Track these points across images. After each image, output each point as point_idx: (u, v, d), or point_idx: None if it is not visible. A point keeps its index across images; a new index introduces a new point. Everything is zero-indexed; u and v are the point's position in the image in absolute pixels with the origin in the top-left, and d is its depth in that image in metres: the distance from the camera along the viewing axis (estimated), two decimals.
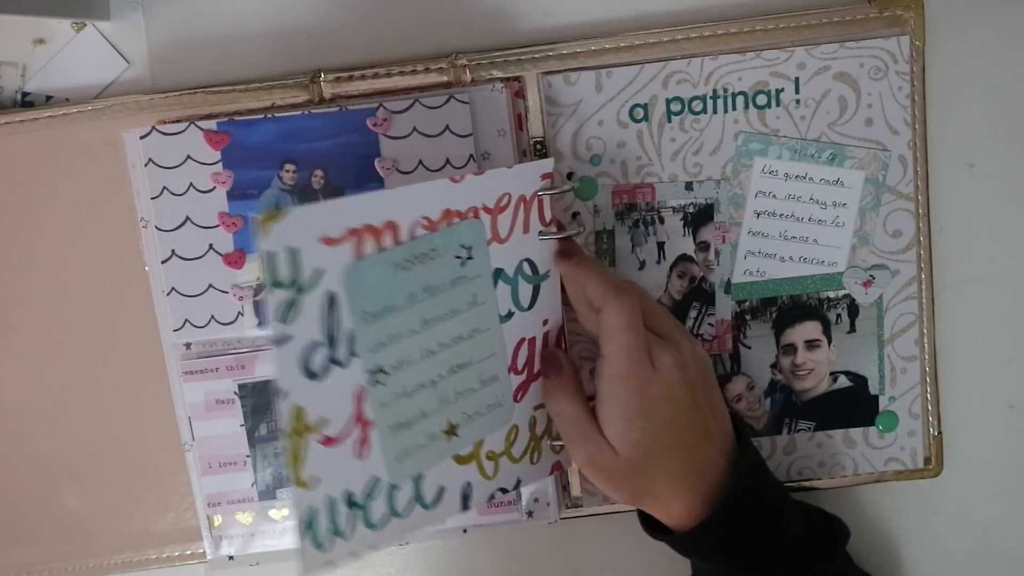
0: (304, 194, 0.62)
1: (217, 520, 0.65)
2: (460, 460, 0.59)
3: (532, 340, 0.61)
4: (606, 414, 0.57)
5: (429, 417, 0.56)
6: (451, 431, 0.57)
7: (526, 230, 0.59)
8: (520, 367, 0.61)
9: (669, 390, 0.57)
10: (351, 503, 0.54)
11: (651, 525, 0.60)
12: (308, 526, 0.52)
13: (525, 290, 0.60)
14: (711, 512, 0.57)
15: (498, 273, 0.58)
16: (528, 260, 0.60)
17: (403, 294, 0.54)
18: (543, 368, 0.61)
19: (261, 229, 0.49)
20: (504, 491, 0.61)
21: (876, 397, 0.66)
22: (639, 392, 0.56)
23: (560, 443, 0.63)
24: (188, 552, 0.67)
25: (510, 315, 0.59)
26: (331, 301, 0.51)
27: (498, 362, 0.59)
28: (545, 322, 0.61)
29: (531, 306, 0.60)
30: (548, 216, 0.60)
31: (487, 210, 0.57)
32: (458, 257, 0.56)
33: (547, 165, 0.59)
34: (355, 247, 0.52)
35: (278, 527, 0.66)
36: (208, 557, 0.66)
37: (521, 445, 0.62)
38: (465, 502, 0.59)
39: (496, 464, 0.60)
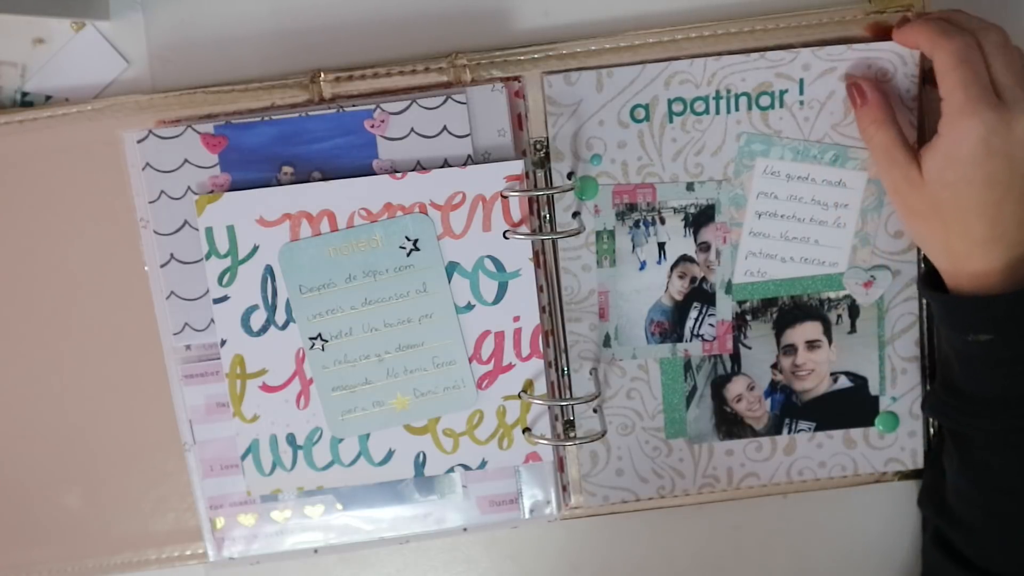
0: None
1: (220, 522, 0.65)
2: (412, 431, 0.64)
3: (500, 334, 0.63)
4: (931, 147, 0.56)
5: (375, 385, 0.63)
6: (400, 403, 0.63)
7: (487, 228, 0.62)
8: (485, 358, 0.63)
9: (1011, 148, 0.53)
10: (294, 445, 0.63)
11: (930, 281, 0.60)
12: (249, 451, 0.63)
13: (488, 285, 0.62)
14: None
15: (453, 266, 0.62)
16: (491, 257, 0.62)
17: (341, 274, 0.62)
18: (850, 97, 0.61)
19: (197, 207, 0.61)
20: (467, 468, 0.64)
21: (876, 397, 0.66)
22: (970, 134, 0.53)
23: (538, 437, 0.64)
24: (188, 552, 0.67)
25: (470, 306, 0.62)
26: (270, 273, 0.61)
27: (455, 348, 0.63)
28: (517, 319, 0.63)
29: (497, 301, 0.62)
30: (517, 216, 0.62)
31: (436, 206, 0.61)
32: (402, 247, 0.61)
33: (514, 167, 0.61)
34: (290, 229, 0.61)
35: (280, 528, 0.66)
36: (210, 559, 0.66)
37: (487, 430, 0.64)
38: (419, 468, 0.64)
39: (456, 441, 0.64)
